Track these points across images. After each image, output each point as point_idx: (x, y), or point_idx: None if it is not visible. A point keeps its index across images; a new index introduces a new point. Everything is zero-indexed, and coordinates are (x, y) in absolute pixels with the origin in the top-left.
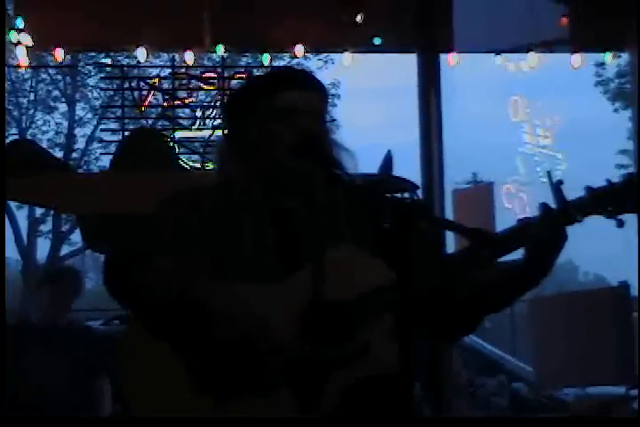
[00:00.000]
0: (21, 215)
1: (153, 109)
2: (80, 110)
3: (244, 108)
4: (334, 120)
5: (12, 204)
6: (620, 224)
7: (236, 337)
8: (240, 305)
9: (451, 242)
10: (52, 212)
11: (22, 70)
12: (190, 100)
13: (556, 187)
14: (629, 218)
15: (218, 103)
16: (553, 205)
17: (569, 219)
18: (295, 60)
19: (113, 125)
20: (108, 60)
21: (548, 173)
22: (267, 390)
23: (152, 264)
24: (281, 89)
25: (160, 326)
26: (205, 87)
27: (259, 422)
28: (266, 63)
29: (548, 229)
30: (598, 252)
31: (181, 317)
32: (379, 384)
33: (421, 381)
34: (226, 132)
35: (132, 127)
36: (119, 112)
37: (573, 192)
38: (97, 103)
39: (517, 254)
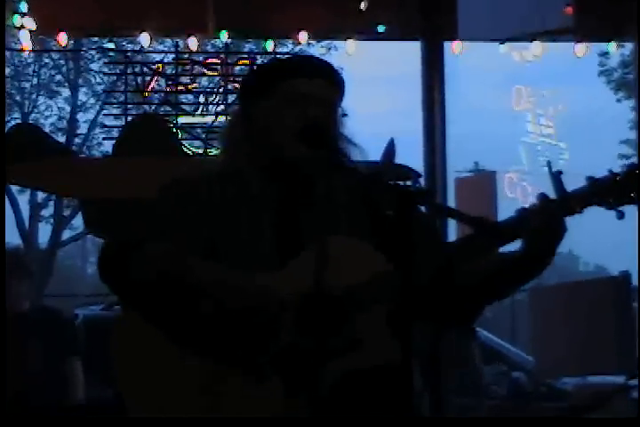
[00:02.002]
0: (23, 200)
1: (156, 95)
2: (83, 95)
3: (258, 91)
4: (345, 114)
5: (14, 188)
6: (621, 216)
7: (230, 322)
8: (238, 292)
9: (453, 230)
10: (53, 196)
11: (25, 54)
12: (193, 85)
13: (556, 177)
14: (629, 208)
15: (221, 89)
16: (552, 196)
17: (568, 210)
18: (298, 47)
19: (115, 111)
20: (112, 45)
21: (549, 163)
22: (260, 378)
23: (146, 251)
24: (295, 76)
25: (153, 312)
26: (208, 73)
27: (254, 421)
28: (269, 49)
29: (546, 220)
30: (599, 241)
31: (175, 302)
32: (376, 375)
33: (421, 372)
34: (235, 114)
35: (134, 113)
36: (122, 97)
37: (575, 181)
38: (100, 88)
39: (518, 244)
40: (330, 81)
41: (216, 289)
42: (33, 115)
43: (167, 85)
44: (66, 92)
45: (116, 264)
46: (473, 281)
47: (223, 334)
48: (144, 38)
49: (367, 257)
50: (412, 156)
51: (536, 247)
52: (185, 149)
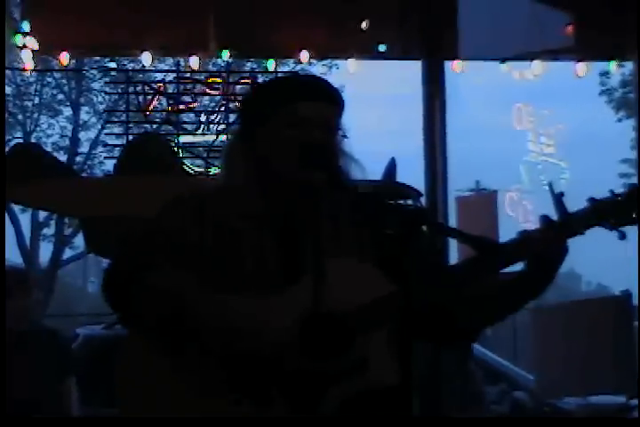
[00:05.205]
0: (24, 219)
1: (157, 114)
2: (85, 114)
3: (255, 115)
4: (345, 136)
5: (16, 207)
6: (622, 236)
7: (233, 351)
8: (239, 319)
9: (454, 249)
10: (55, 215)
11: (27, 74)
12: (195, 104)
13: (558, 199)
14: (631, 228)
15: (222, 108)
16: (554, 217)
17: (570, 231)
18: (300, 66)
19: (117, 130)
20: (113, 65)
21: (550, 185)
22: (263, 402)
23: (150, 280)
24: (295, 100)
25: (157, 339)
26: (210, 92)
27: (256, 422)
28: (270, 69)
29: (549, 242)
30: (601, 260)
31: (179, 332)
32: (377, 398)
33: (421, 393)
34: (236, 134)
35: (136, 132)
36: (123, 116)
37: (576, 200)
38: (101, 107)
39: (520, 265)
40: (329, 102)
41: (220, 324)
42: (35, 134)
43: (168, 104)
44: (68, 111)
45: (120, 290)
46: (474, 302)
47: (228, 359)
48: (145, 58)
49: (369, 279)
50: (412, 175)
51: (539, 269)
52: (186, 168)
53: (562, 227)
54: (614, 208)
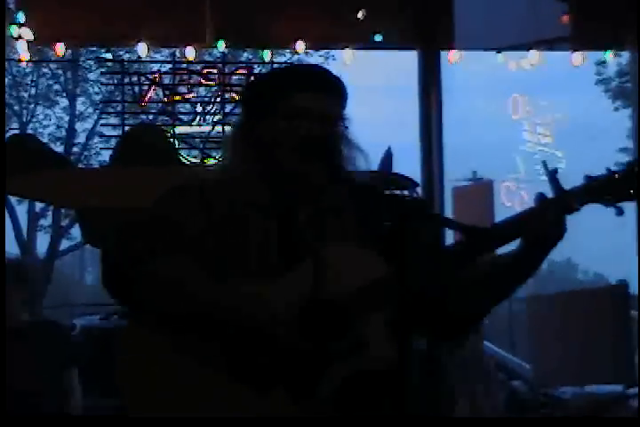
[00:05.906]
0: (21, 210)
1: (153, 105)
2: (81, 105)
3: (255, 106)
4: (346, 127)
5: (13, 198)
6: (620, 212)
7: (236, 333)
8: (241, 299)
9: (450, 240)
10: (51, 206)
11: (23, 65)
12: (191, 95)
13: (552, 176)
14: (628, 214)
15: (218, 99)
16: (550, 196)
17: (566, 208)
18: (296, 57)
19: (113, 120)
20: (109, 55)
21: (544, 163)
22: (263, 383)
23: (153, 268)
24: (296, 91)
25: (161, 325)
26: (206, 83)
27: (258, 421)
28: (266, 59)
29: (545, 219)
30: (598, 249)
31: (181, 317)
32: (375, 380)
33: (418, 377)
34: (236, 125)
35: (132, 122)
36: (119, 107)
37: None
38: (97, 98)
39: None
40: (329, 93)
41: (223, 305)
42: (31, 124)
43: (164, 95)
44: (64, 101)
45: (123, 279)
46: (469, 285)
47: (230, 343)
48: (141, 48)
49: (369, 264)
50: (409, 165)
51: (536, 247)
52: (182, 158)
53: (557, 203)
54: (611, 184)
